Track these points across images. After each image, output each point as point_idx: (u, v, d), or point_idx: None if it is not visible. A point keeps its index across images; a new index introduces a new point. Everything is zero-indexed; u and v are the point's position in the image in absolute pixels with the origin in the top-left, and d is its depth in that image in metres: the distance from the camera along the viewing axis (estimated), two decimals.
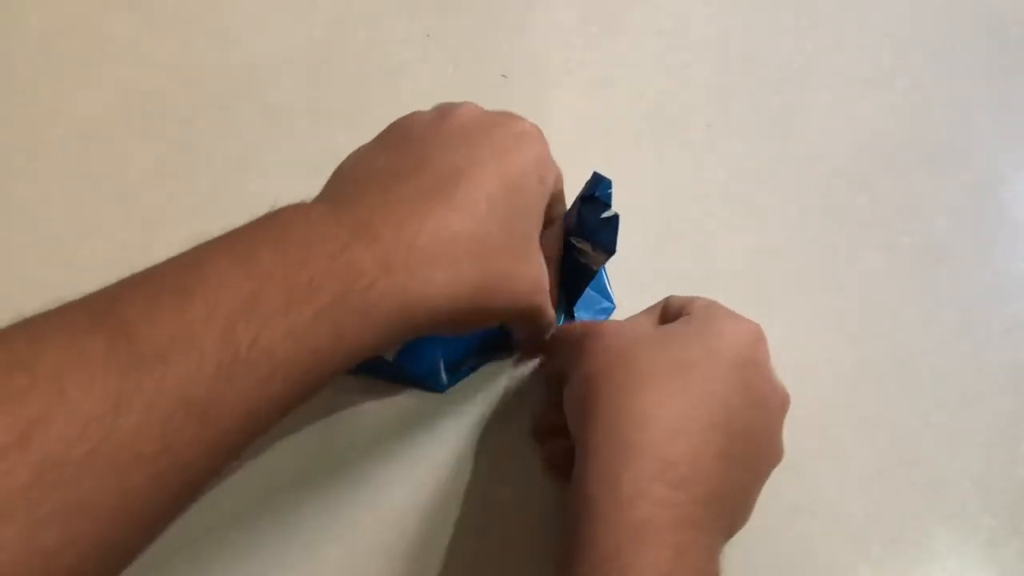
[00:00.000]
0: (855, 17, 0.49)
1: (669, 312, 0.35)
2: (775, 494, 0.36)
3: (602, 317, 0.39)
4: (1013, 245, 0.42)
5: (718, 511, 0.29)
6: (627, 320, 0.36)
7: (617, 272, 0.41)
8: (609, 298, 0.40)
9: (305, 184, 0.43)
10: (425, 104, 0.45)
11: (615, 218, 0.35)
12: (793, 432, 0.37)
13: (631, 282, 0.40)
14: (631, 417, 0.29)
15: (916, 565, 0.35)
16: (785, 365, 0.39)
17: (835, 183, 0.43)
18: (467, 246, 0.28)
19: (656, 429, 0.29)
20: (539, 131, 0.32)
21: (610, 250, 0.36)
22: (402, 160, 0.30)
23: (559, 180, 0.33)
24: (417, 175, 0.29)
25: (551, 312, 0.34)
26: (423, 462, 0.36)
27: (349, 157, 0.32)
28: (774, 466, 0.33)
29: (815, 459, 0.37)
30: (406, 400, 0.37)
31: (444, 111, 0.32)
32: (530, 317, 0.32)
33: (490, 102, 0.46)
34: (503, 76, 0.46)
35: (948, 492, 0.36)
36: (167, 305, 0.24)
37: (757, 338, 0.33)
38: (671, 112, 0.45)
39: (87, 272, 0.41)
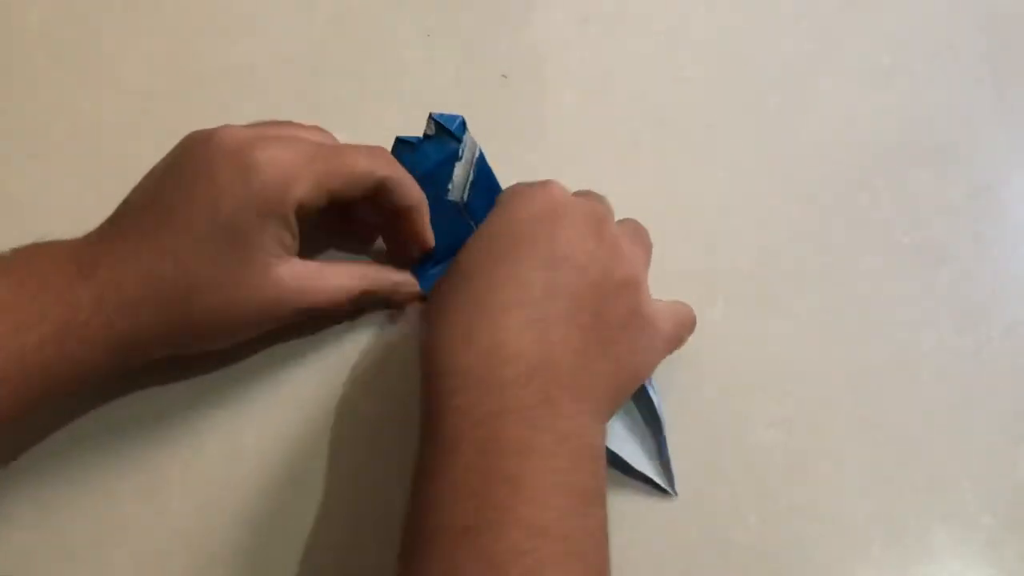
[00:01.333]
0: (855, 17, 0.49)
1: None
2: (775, 494, 0.36)
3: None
4: (1013, 245, 0.42)
5: (549, 377, 0.29)
6: None
7: None
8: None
9: None
10: (425, 104, 0.45)
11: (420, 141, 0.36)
12: (793, 432, 0.37)
13: None
14: (432, 353, 0.30)
15: (916, 565, 0.35)
16: (785, 365, 0.39)
17: (835, 183, 0.43)
18: (171, 287, 0.31)
19: (448, 349, 0.29)
20: (279, 158, 0.33)
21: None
22: (146, 195, 0.33)
23: (335, 178, 0.34)
24: (144, 212, 0.33)
25: (331, 299, 0.35)
26: None
27: (142, 179, 0.35)
28: (628, 304, 0.32)
29: (815, 459, 0.37)
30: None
31: (210, 134, 0.34)
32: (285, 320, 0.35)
33: (490, 102, 0.46)
34: (503, 76, 0.46)
35: (948, 492, 0.36)
36: None
37: (544, 200, 0.32)
38: (671, 112, 0.45)
39: None
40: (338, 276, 0.36)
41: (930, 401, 0.38)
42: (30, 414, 0.31)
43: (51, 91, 0.45)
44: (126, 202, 0.34)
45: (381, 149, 0.36)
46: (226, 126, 0.34)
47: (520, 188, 0.33)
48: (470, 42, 0.47)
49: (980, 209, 0.43)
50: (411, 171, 0.36)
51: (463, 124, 0.36)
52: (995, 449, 0.37)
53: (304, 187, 0.32)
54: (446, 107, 0.45)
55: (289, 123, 0.36)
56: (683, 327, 0.35)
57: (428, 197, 0.37)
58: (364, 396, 0.38)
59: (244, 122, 0.44)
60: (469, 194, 0.37)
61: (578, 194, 0.34)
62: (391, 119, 0.45)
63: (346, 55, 0.47)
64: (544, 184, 0.33)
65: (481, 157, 0.38)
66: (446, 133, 0.36)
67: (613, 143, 0.44)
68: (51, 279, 0.31)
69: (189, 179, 0.32)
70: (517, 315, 0.29)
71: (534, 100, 0.46)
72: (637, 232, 0.35)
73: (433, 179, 0.37)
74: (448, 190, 0.37)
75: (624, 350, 0.31)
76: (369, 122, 0.45)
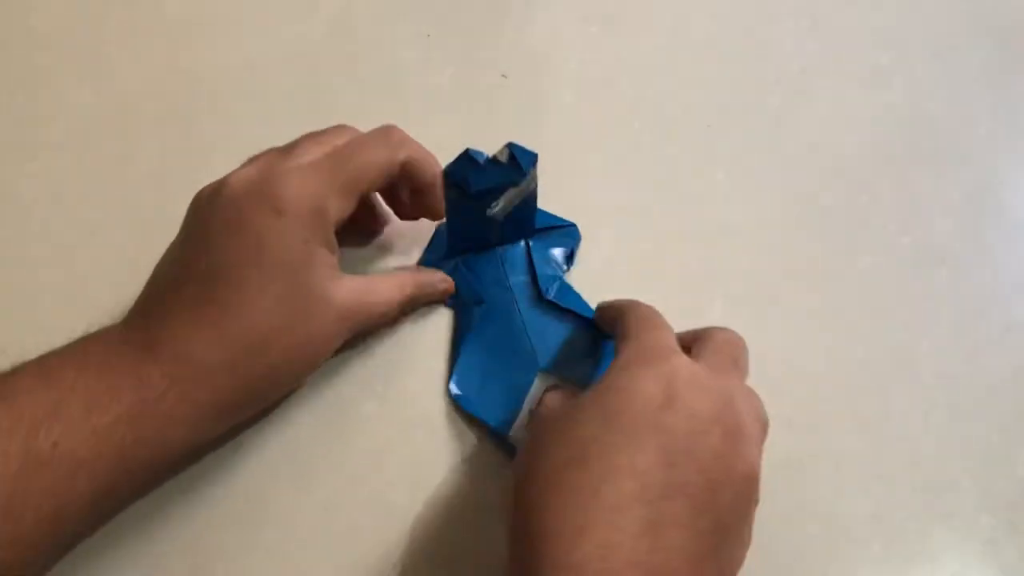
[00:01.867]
0: (855, 17, 0.49)
1: (615, 334, 0.34)
2: (775, 494, 0.36)
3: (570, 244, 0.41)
4: (1013, 245, 0.42)
5: None
6: (564, 394, 0.34)
7: (617, 273, 0.41)
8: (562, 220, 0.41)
9: None
10: (425, 104, 0.45)
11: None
12: (793, 432, 0.37)
13: (631, 283, 0.40)
14: (534, 530, 0.27)
15: (916, 565, 0.35)
16: (785, 365, 0.39)
17: (835, 183, 0.43)
18: (244, 344, 0.31)
19: (558, 536, 0.26)
20: (303, 186, 0.32)
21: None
22: (180, 264, 0.32)
23: (361, 183, 0.34)
24: (188, 282, 0.31)
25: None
26: (428, 464, 0.36)
27: (162, 257, 0.34)
28: (745, 508, 0.29)
29: (815, 459, 0.37)
30: (407, 401, 0.38)
31: (220, 185, 0.33)
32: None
33: (490, 102, 0.46)
34: (503, 76, 0.46)
35: (948, 492, 0.36)
36: None
37: (668, 381, 0.29)
38: (671, 112, 0.45)
39: (87, 272, 0.41)
40: (387, 287, 0.36)
41: (930, 401, 0.38)
42: (106, 508, 0.31)
43: (51, 91, 0.45)
44: (155, 282, 0.33)
45: (391, 128, 0.36)
46: (231, 175, 0.33)
47: (644, 357, 0.30)
48: (470, 42, 0.47)
49: (980, 209, 0.43)
50: (466, 184, 0.36)
51: (534, 161, 0.37)
52: (995, 449, 0.37)
53: (336, 203, 0.32)
54: (446, 107, 0.45)
55: (272, 151, 0.35)
56: None
57: (469, 207, 0.37)
58: (365, 396, 0.37)
59: (243, 122, 0.44)
60: (507, 217, 0.38)
61: (703, 333, 0.33)
62: (391, 119, 0.45)
63: (346, 55, 0.47)
64: (669, 360, 0.30)
65: (534, 192, 0.38)
66: (516, 165, 0.36)
67: (613, 143, 0.44)
68: (113, 362, 0.30)
69: (220, 236, 0.31)
70: (634, 514, 0.26)
71: (534, 100, 0.46)
72: (757, 412, 0.31)
73: (483, 197, 0.37)
74: (492, 206, 0.37)
75: (733, 546, 0.29)
76: (369, 122, 0.45)
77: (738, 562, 0.29)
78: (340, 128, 0.37)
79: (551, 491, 0.27)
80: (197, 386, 0.30)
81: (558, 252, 0.40)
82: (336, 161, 0.34)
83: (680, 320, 0.38)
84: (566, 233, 0.41)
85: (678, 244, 0.42)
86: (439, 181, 0.37)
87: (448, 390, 0.37)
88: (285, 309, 0.31)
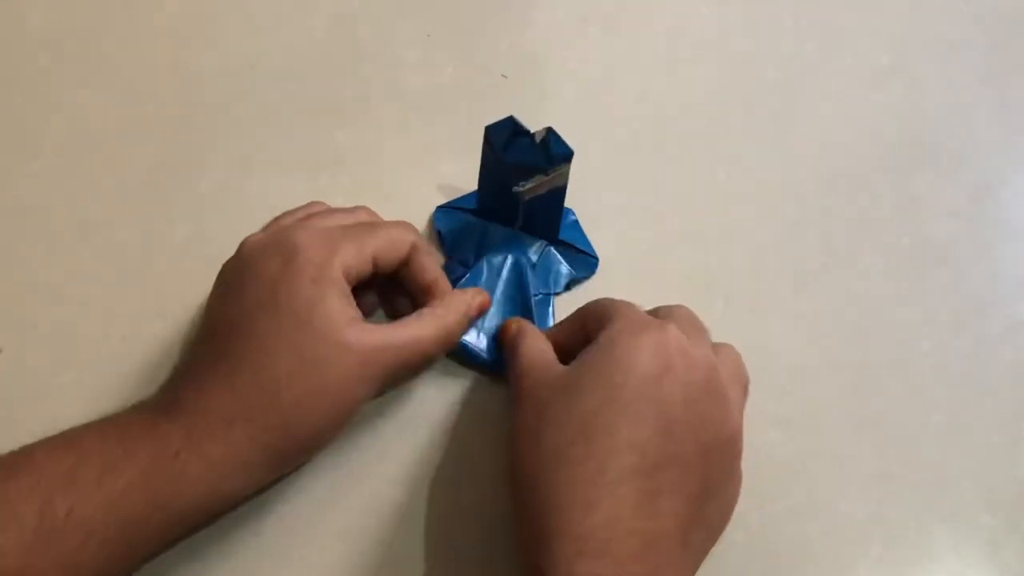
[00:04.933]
0: (855, 17, 0.49)
1: (588, 330, 0.34)
2: (775, 494, 0.36)
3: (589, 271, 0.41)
4: (1013, 245, 0.42)
5: (660, 551, 0.29)
6: (546, 360, 0.34)
7: (616, 273, 0.41)
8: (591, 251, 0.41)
9: (305, 184, 0.43)
10: (425, 104, 0.45)
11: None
12: (793, 432, 0.37)
13: (630, 282, 0.40)
14: (543, 504, 0.29)
15: (916, 565, 0.35)
16: (785, 365, 0.39)
17: (835, 183, 0.44)
18: (256, 392, 0.30)
19: (567, 510, 0.28)
20: (315, 234, 0.32)
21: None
22: (202, 325, 0.33)
23: (373, 242, 0.33)
24: (207, 339, 0.32)
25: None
26: (423, 461, 0.36)
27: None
28: (730, 467, 0.32)
29: (815, 459, 0.37)
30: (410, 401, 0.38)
31: (238, 248, 0.34)
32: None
33: (490, 102, 0.46)
34: (503, 76, 0.46)
35: (948, 492, 0.36)
36: None
37: (663, 351, 0.31)
38: (671, 112, 0.45)
39: (87, 272, 0.41)
40: (421, 325, 0.34)
41: (930, 401, 0.38)
42: (119, 571, 0.29)
43: (51, 91, 0.45)
44: (186, 348, 0.35)
45: (405, 222, 0.36)
46: (247, 237, 0.34)
47: (636, 326, 0.32)
48: (470, 42, 0.47)
49: (980, 209, 0.43)
50: (498, 149, 0.37)
51: (567, 159, 0.37)
52: (995, 449, 0.37)
53: (347, 252, 0.32)
54: (446, 107, 0.45)
55: (286, 214, 0.36)
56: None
57: (498, 172, 0.38)
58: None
59: (243, 122, 0.44)
60: (531, 204, 0.38)
61: (663, 311, 0.34)
62: (391, 119, 0.45)
63: (346, 55, 0.47)
64: (661, 329, 0.31)
65: (562, 189, 0.38)
66: (547, 151, 0.36)
67: (613, 143, 0.44)
68: (133, 424, 0.30)
69: (235, 291, 0.32)
70: (635, 487, 0.29)
71: (534, 100, 0.46)
72: (737, 371, 0.34)
73: (508, 172, 0.37)
74: (519, 184, 0.37)
75: (720, 501, 0.31)
76: (369, 122, 0.45)
77: (726, 513, 0.32)
78: (359, 208, 0.37)
79: (557, 466, 0.29)
80: (213, 441, 0.29)
81: (564, 271, 0.40)
82: (351, 226, 0.34)
83: None
84: (585, 262, 0.40)
85: (678, 244, 0.42)
86: (444, 281, 0.36)
87: None
88: (295, 354, 0.30)
